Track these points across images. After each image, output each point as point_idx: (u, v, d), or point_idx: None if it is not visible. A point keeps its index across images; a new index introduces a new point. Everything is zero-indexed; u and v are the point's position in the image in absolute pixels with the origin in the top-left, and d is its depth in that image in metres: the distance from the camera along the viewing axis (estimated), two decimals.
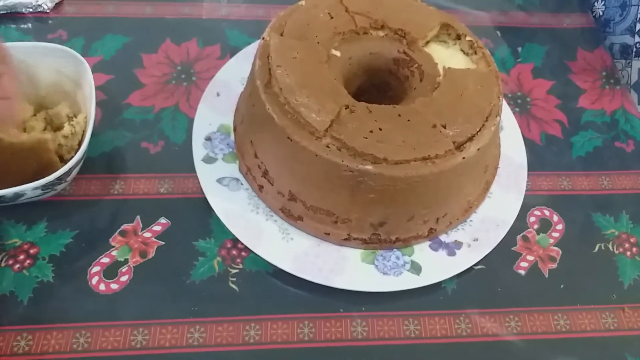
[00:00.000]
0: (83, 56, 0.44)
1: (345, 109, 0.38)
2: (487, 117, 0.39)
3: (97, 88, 0.50)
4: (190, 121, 0.48)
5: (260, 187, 0.42)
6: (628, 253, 0.46)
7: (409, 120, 0.38)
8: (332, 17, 0.44)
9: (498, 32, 0.60)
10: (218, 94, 0.49)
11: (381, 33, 0.45)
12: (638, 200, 0.49)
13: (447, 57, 0.44)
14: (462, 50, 0.44)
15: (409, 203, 0.39)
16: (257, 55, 0.42)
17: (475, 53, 0.43)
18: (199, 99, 0.49)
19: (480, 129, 0.38)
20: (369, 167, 0.36)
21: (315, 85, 0.39)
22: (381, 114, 0.38)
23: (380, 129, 0.37)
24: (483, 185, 0.44)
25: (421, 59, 0.44)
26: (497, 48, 0.59)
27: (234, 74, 0.50)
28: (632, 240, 0.47)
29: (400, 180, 0.37)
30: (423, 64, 0.43)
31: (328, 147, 0.37)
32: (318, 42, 0.42)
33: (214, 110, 0.48)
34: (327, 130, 0.37)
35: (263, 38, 0.43)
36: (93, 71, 0.44)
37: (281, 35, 0.43)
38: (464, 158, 0.38)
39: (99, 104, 0.49)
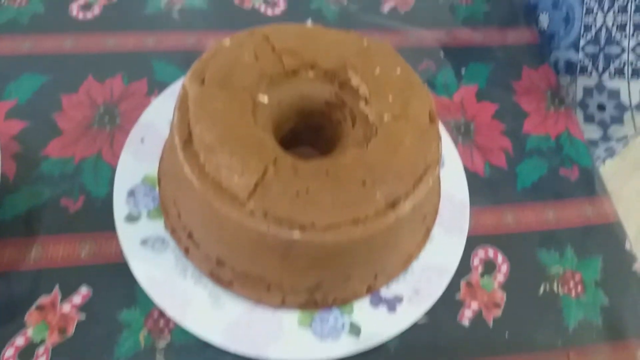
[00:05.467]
0: None
1: (273, 165, 0.36)
2: (421, 175, 0.36)
3: (12, 138, 0.46)
4: (114, 172, 0.44)
5: (187, 250, 0.40)
6: (573, 292, 0.45)
7: (337, 178, 0.36)
8: (257, 59, 0.41)
9: (441, 53, 0.58)
10: (142, 140, 0.45)
11: (311, 74, 0.42)
12: (582, 233, 0.48)
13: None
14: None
15: (344, 265, 0.37)
16: (176, 105, 0.38)
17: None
18: (123, 145, 0.45)
19: (415, 186, 0.36)
20: (296, 234, 0.34)
21: (238, 140, 0.36)
22: (308, 172, 0.36)
23: (307, 190, 0.35)
24: (423, 233, 0.42)
25: (354, 102, 0.41)
26: (440, 71, 0.57)
27: (160, 115, 0.47)
28: (576, 277, 0.46)
29: (331, 246, 0.34)
30: (355, 108, 0.41)
31: (252, 213, 0.34)
32: (243, 88, 0.39)
33: (138, 159, 0.45)
34: (250, 194, 0.34)
35: (183, 86, 0.39)
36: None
37: (202, 81, 0.39)
38: (397, 218, 0.36)
39: (13, 156, 0.45)
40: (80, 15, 0.55)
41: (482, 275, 0.45)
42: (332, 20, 0.59)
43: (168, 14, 0.57)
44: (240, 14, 0.58)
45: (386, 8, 0.61)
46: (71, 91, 0.50)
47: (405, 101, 0.40)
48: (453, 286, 0.43)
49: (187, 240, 0.39)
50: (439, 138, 0.39)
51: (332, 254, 0.35)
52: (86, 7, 0.56)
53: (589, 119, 0.59)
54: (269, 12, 0.58)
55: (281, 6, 0.59)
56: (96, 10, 0.56)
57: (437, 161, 0.38)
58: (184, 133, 0.36)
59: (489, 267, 0.45)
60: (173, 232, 0.40)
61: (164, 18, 0.56)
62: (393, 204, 0.36)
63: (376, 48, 0.42)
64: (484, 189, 0.49)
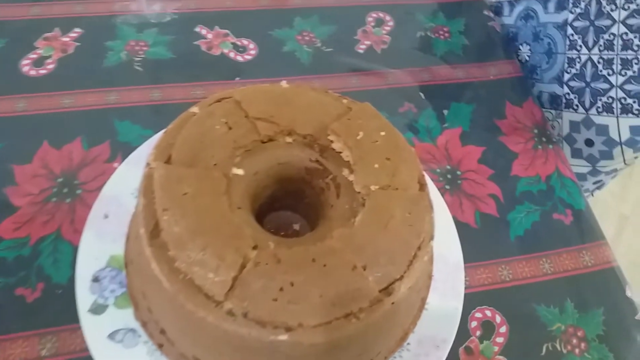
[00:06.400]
0: None
1: (252, 255, 0.32)
2: (415, 253, 0.33)
3: None
4: (76, 250, 0.40)
5: (160, 345, 0.36)
6: (577, 350, 0.43)
7: (325, 266, 0.32)
8: (230, 128, 0.38)
9: (422, 94, 0.55)
10: (106, 216, 0.41)
11: (289, 139, 0.39)
12: (581, 283, 0.46)
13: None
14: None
15: (336, 358, 0.34)
16: (141, 189, 0.35)
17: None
18: (85, 219, 0.41)
19: (410, 265, 0.33)
20: (282, 337, 0.30)
21: (211, 230, 0.32)
22: (292, 263, 0.32)
23: (292, 284, 0.31)
24: (418, 305, 0.39)
25: (337, 169, 0.38)
26: (421, 114, 0.54)
27: (124, 186, 0.43)
28: (579, 333, 0.43)
29: (321, 344, 0.31)
30: (338, 175, 0.38)
31: (231, 314, 0.30)
32: (215, 164, 0.36)
33: (102, 238, 0.40)
34: (227, 293, 0.31)
35: (148, 164, 0.36)
36: None
37: (169, 159, 0.36)
38: (393, 303, 0.32)
39: None
40: (33, 72, 0.51)
41: (481, 339, 0.42)
42: (306, 63, 0.56)
43: (129, 66, 0.53)
44: (209, 61, 0.54)
45: (362, 47, 0.58)
46: (25, 161, 0.45)
47: (392, 168, 0.37)
48: (452, 355, 0.40)
49: (160, 336, 0.35)
50: (431, 208, 0.36)
51: (322, 351, 0.32)
52: (39, 62, 0.52)
53: (576, 153, 0.57)
54: (239, 58, 0.55)
55: (252, 51, 0.56)
56: (50, 65, 0.51)
57: (431, 235, 0.35)
58: (150, 223, 0.33)
59: (488, 329, 0.42)
60: (144, 325, 0.36)
61: (126, 71, 0.52)
62: (387, 289, 0.33)
63: (357, 109, 0.39)
64: (477, 241, 0.47)
